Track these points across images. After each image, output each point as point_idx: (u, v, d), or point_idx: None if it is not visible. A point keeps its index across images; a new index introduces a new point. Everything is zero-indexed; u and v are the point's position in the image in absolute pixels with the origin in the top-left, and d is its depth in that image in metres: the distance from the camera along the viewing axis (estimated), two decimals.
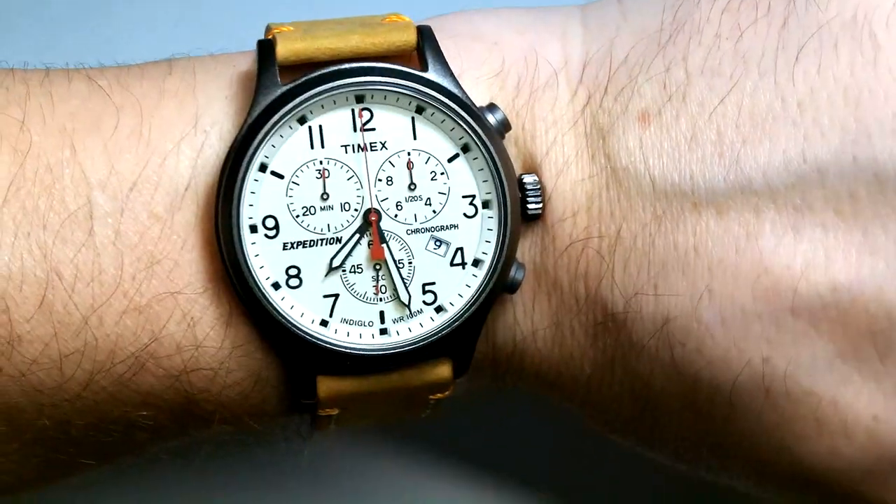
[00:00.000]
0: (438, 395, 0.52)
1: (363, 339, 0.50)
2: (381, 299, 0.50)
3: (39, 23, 0.75)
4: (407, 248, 0.50)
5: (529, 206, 0.50)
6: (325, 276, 0.50)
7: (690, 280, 0.49)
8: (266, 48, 0.49)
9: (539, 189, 0.50)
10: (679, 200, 0.49)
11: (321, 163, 0.49)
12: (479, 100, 0.51)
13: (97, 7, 0.76)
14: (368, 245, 0.50)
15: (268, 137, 0.48)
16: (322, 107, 0.49)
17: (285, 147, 0.49)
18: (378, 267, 0.50)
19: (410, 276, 0.50)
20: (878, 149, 0.48)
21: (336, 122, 0.49)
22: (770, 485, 0.53)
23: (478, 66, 0.52)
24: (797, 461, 0.51)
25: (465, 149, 0.50)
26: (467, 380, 0.55)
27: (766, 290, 0.48)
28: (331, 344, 0.50)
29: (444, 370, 0.51)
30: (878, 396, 0.49)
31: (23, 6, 0.75)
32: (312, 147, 0.49)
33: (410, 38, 0.50)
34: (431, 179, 0.50)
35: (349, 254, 0.50)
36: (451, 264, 0.50)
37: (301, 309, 0.50)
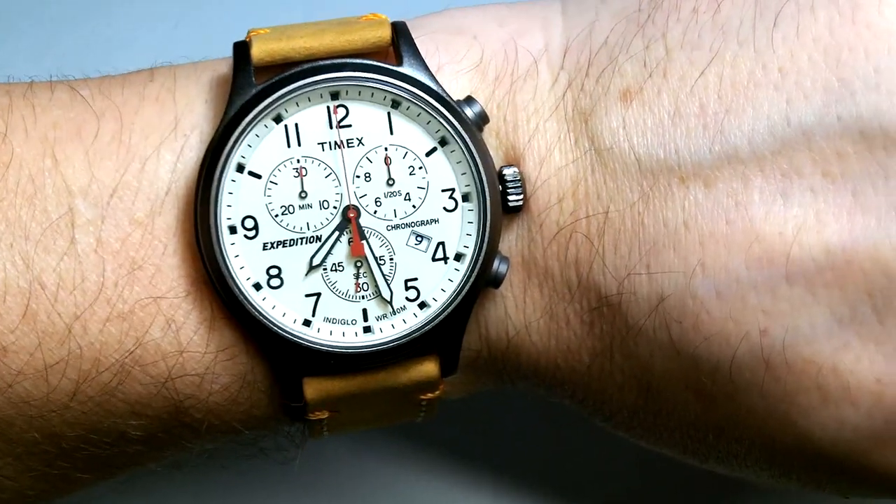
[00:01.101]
0: (429, 394, 0.52)
1: (346, 337, 0.50)
2: (363, 297, 0.50)
3: (39, 23, 0.75)
4: (388, 244, 0.49)
5: (510, 198, 0.49)
6: (306, 275, 0.49)
7: (682, 256, 0.48)
8: (241, 49, 0.49)
9: (519, 181, 0.49)
10: (666, 176, 0.48)
11: (298, 161, 0.49)
12: (460, 93, 0.51)
13: (97, 7, 0.76)
14: (348, 242, 0.49)
15: (243, 137, 0.48)
16: (297, 104, 0.49)
17: (262, 146, 0.49)
18: (359, 264, 0.50)
19: (392, 272, 0.50)
20: (862, 106, 0.47)
21: (312, 119, 0.49)
22: (780, 467, 0.52)
23: (457, 59, 0.52)
24: (804, 435, 0.49)
25: (443, 142, 0.50)
26: (464, 381, 0.54)
27: (759, 258, 0.47)
28: (314, 343, 0.49)
29: (431, 367, 0.51)
30: (879, 358, 0.48)
31: (23, 6, 0.76)
32: (289, 145, 0.49)
33: (385, 34, 0.50)
34: (410, 174, 0.50)
35: (329, 252, 0.49)
36: (433, 259, 0.50)
37: (283, 309, 0.49)
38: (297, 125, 0.49)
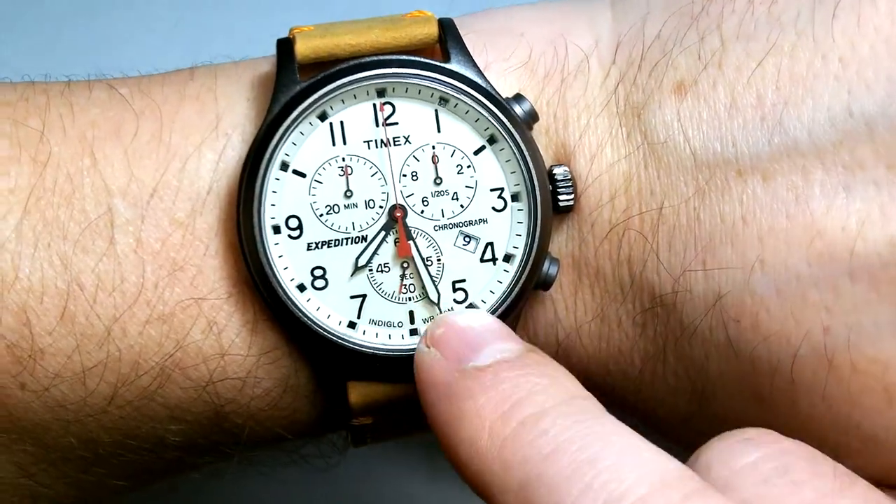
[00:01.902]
0: None
1: (393, 340, 0.48)
2: (409, 298, 0.49)
3: (39, 23, 0.75)
4: (435, 244, 0.48)
5: (561, 198, 0.48)
6: (352, 276, 0.48)
7: (740, 252, 0.47)
8: (285, 46, 0.49)
9: (570, 180, 0.48)
10: (723, 170, 0.47)
11: (343, 159, 0.48)
12: (508, 91, 0.49)
13: (97, 7, 0.76)
14: (395, 242, 0.48)
15: (287, 134, 0.47)
16: (342, 102, 0.48)
17: (306, 144, 0.48)
18: (406, 265, 0.48)
19: (439, 273, 0.48)
20: None
21: (357, 117, 0.48)
22: None
23: (505, 57, 0.50)
24: (869, 439, 0.47)
25: (492, 140, 0.48)
26: None
27: (820, 254, 0.46)
28: (360, 346, 0.48)
29: None
30: None
31: (23, 6, 0.75)
32: (334, 144, 0.48)
33: (432, 30, 0.49)
34: (458, 173, 0.48)
35: (375, 252, 0.48)
36: (482, 260, 0.49)
37: (328, 311, 0.48)
38: (342, 123, 0.48)
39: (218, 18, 0.75)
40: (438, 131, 0.48)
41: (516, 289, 0.48)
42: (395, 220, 0.48)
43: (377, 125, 0.48)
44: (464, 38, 0.49)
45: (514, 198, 0.49)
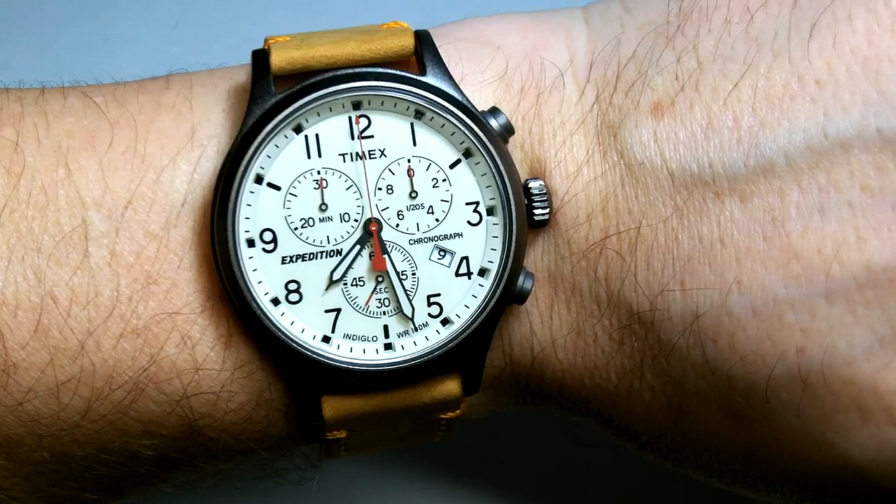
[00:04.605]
0: (449, 413, 0.50)
1: (367, 354, 0.48)
2: (384, 313, 0.48)
3: (39, 23, 0.74)
4: (410, 258, 0.48)
5: (536, 212, 0.48)
6: (326, 290, 0.48)
7: (718, 272, 0.47)
8: (260, 57, 0.48)
9: (545, 195, 0.48)
10: (700, 191, 0.47)
11: (319, 172, 0.48)
12: (483, 104, 0.49)
13: (97, 7, 0.75)
14: (370, 256, 0.48)
15: (262, 147, 0.47)
16: (318, 114, 0.47)
17: (281, 157, 0.47)
18: (381, 279, 0.48)
19: (414, 287, 0.48)
20: None
21: (333, 129, 0.48)
22: (813, 491, 0.50)
23: (481, 70, 0.50)
24: (842, 456, 0.48)
25: (467, 154, 0.48)
26: (485, 400, 0.53)
27: (797, 276, 0.46)
28: (334, 360, 0.48)
29: (453, 386, 0.49)
30: None
31: (23, 6, 0.75)
32: (309, 157, 0.48)
33: (408, 42, 0.49)
34: (433, 187, 0.48)
35: (350, 266, 0.48)
36: (457, 274, 0.49)
37: (302, 325, 0.48)
38: (317, 136, 0.48)
39: (218, 18, 0.74)
40: (414, 144, 0.48)
41: (491, 303, 0.48)
42: (371, 233, 0.48)
43: (352, 138, 0.48)
44: (439, 49, 0.49)
45: (490, 212, 0.49)
